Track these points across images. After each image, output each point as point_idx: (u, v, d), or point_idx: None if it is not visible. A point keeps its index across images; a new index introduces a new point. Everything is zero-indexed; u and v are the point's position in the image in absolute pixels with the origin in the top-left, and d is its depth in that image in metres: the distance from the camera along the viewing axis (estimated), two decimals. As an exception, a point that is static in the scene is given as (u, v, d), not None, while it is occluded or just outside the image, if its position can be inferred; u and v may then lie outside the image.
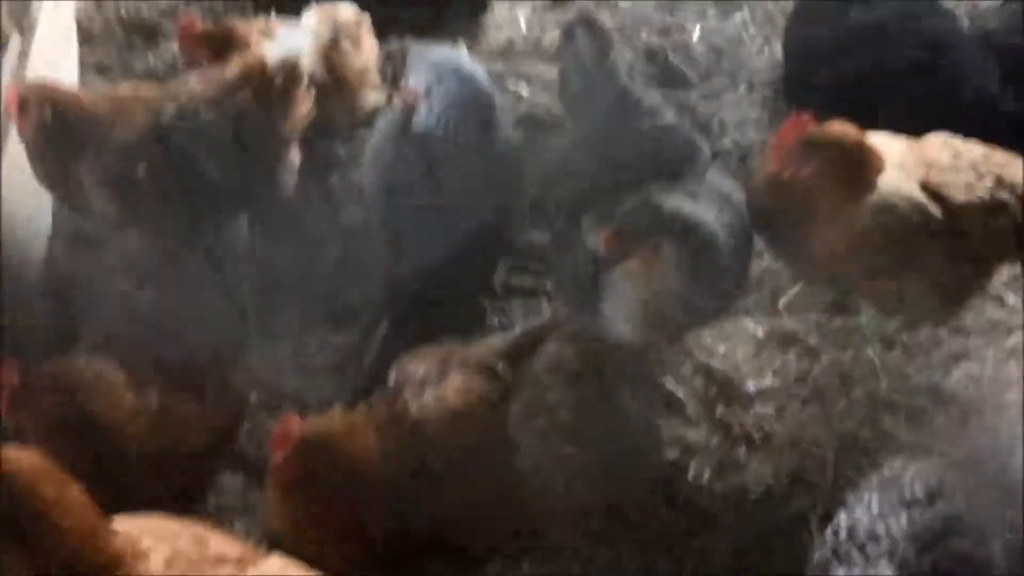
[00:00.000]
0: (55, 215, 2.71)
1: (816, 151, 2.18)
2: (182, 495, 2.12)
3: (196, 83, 2.38)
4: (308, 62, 2.44)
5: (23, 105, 2.28)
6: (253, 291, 2.52)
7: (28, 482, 1.59)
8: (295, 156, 2.54)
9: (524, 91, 2.95)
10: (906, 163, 2.27)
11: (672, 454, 2.37)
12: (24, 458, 1.63)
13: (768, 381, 2.48)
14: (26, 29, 2.72)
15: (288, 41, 2.51)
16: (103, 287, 2.60)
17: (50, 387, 1.94)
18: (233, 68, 2.39)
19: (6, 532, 1.58)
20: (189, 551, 1.65)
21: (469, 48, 2.98)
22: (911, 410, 2.44)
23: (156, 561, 1.61)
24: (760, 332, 2.57)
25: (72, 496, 1.62)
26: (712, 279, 2.12)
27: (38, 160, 2.35)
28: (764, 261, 2.61)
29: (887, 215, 2.18)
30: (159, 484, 2.02)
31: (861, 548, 1.71)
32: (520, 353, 2.26)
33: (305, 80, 2.44)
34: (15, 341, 2.44)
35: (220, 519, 2.19)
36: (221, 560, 1.67)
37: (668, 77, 2.99)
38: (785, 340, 2.55)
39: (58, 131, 2.29)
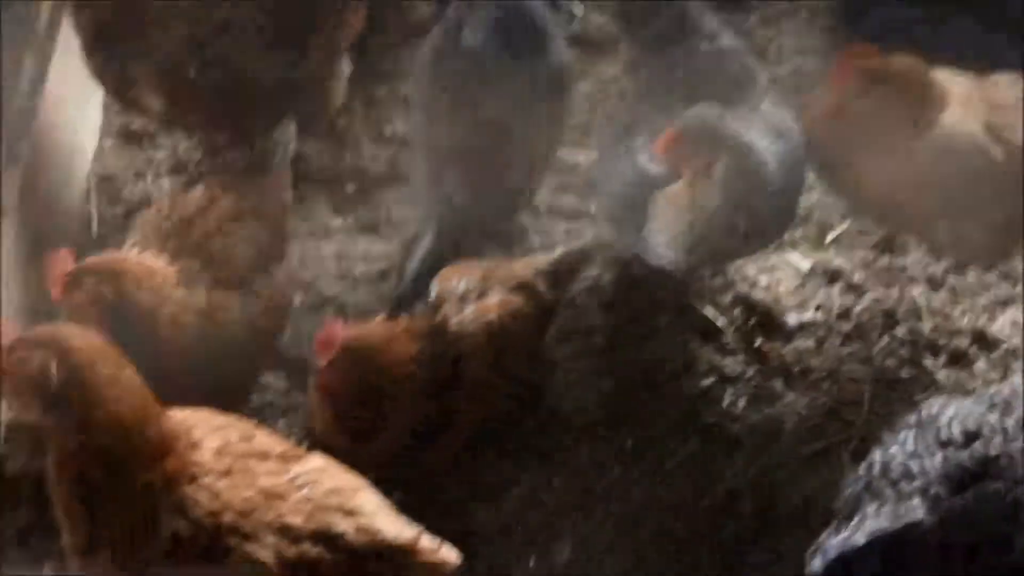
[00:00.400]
0: (105, 110, 2.72)
1: (877, 84, 2.13)
2: (226, 393, 2.17)
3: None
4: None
5: None
6: (297, 196, 2.53)
7: (86, 358, 1.64)
8: (345, 66, 2.53)
9: (577, 9, 2.89)
10: (970, 102, 2.21)
11: (706, 382, 2.38)
12: (82, 335, 1.67)
13: (810, 315, 2.47)
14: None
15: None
16: (151, 182, 2.64)
17: (102, 275, 1.96)
18: None
19: (62, 408, 1.63)
20: (236, 444, 1.70)
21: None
22: (953, 352, 2.42)
23: (207, 451, 1.66)
24: (805, 266, 2.55)
25: (127, 377, 1.66)
26: (761, 206, 2.10)
27: (91, 53, 2.35)
28: (814, 195, 2.58)
29: (947, 154, 2.14)
30: (203, 380, 2.06)
31: (894, 485, 1.72)
32: (560, 274, 2.27)
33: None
34: (65, 236, 2.50)
35: (263, 418, 2.25)
36: (266, 456, 1.72)
37: (726, -1, 2.91)
38: (830, 275, 2.53)
39: (113, 25, 2.29)
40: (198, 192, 2.21)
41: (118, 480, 1.62)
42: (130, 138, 2.69)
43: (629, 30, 2.43)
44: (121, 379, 1.64)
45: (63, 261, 1.98)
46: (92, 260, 2.01)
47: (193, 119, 2.43)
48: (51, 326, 1.76)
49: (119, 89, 2.39)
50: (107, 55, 2.32)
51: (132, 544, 1.62)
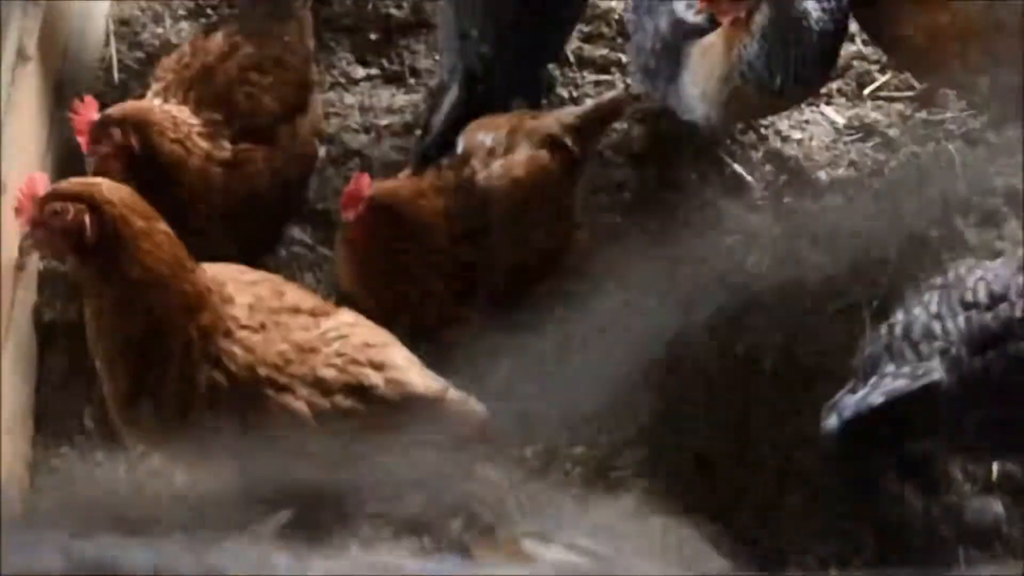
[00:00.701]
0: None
1: None
2: (253, 246, 2.19)
3: None
4: None
5: None
6: (319, 44, 2.46)
7: (119, 212, 1.65)
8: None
9: None
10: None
11: (732, 239, 2.37)
12: (115, 188, 1.68)
13: (842, 172, 2.43)
14: None
15: None
16: (170, 26, 2.57)
17: (128, 125, 1.95)
18: None
19: (97, 260, 1.66)
20: (268, 299, 1.74)
21: None
22: (985, 212, 2.38)
23: (240, 306, 1.70)
24: (840, 120, 2.49)
25: (161, 230, 1.68)
26: (800, 57, 2.02)
27: None
28: (853, 45, 2.49)
29: (998, 4, 2.03)
30: (230, 233, 2.08)
31: (914, 346, 1.74)
32: (589, 128, 2.23)
33: None
34: (86, 83, 2.47)
35: (290, 271, 2.28)
36: (297, 310, 1.75)
37: None
38: (865, 130, 2.47)
39: None
40: (219, 38, 2.16)
41: (155, 333, 1.66)
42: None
43: None
44: (154, 233, 1.66)
45: (88, 110, 1.96)
46: (118, 109, 1.99)
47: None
48: (83, 179, 1.75)
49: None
50: None
51: (172, 395, 1.68)
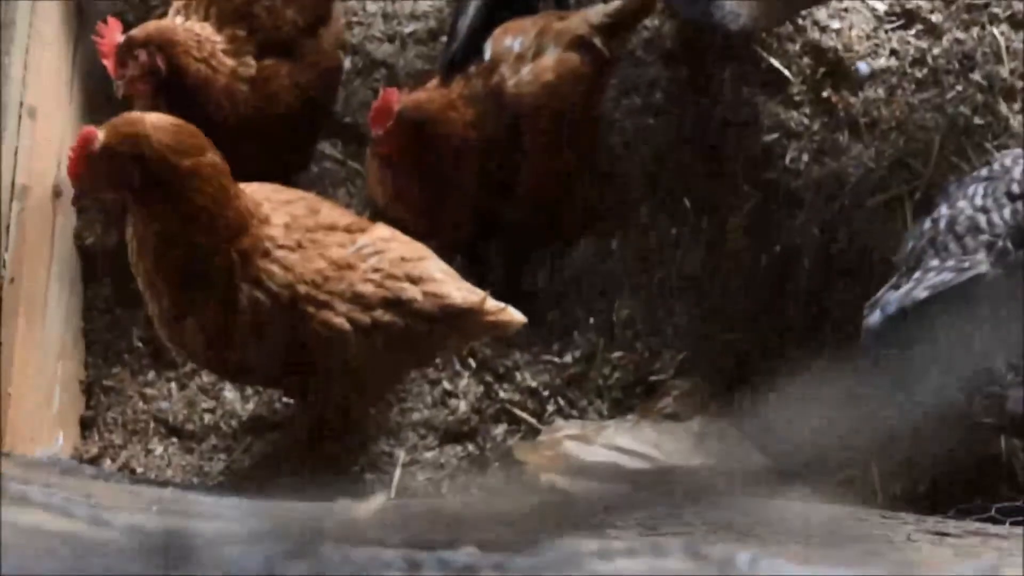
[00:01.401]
0: None
1: None
2: (285, 162, 2.19)
3: None
4: None
5: None
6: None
7: (167, 157, 1.66)
8: None
9: None
10: None
11: (770, 138, 2.32)
12: (162, 129, 1.67)
13: (882, 62, 2.35)
14: None
15: None
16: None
17: (154, 46, 1.93)
18: None
19: (145, 200, 1.68)
20: (304, 218, 1.74)
21: None
22: (1032, 97, 2.31)
23: (277, 226, 1.71)
24: (881, 7, 2.39)
25: (207, 163, 1.68)
26: None
27: None
28: (893, -74, 2.37)
29: None
30: (261, 151, 2.07)
31: (959, 239, 1.71)
32: (618, 27, 2.17)
33: None
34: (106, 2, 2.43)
35: (322, 187, 2.27)
36: (332, 228, 1.76)
37: None
38: (907, 16, 2.38)
39: None
40: (237, -50, 2.10)
41: (197, 258, 1.68)
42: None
43: None
44: (201, 168, 1.67)
45: (112, 32, 1.94)
46: (142, 30, 1.96)
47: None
48: (130, 124, 1.71)
49: None
50: None
51: (215, 315, 1.71)
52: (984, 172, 1.82)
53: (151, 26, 1.98)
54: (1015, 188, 1.72)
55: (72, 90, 2.28)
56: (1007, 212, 1.70)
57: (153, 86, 1.94)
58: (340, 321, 1.71)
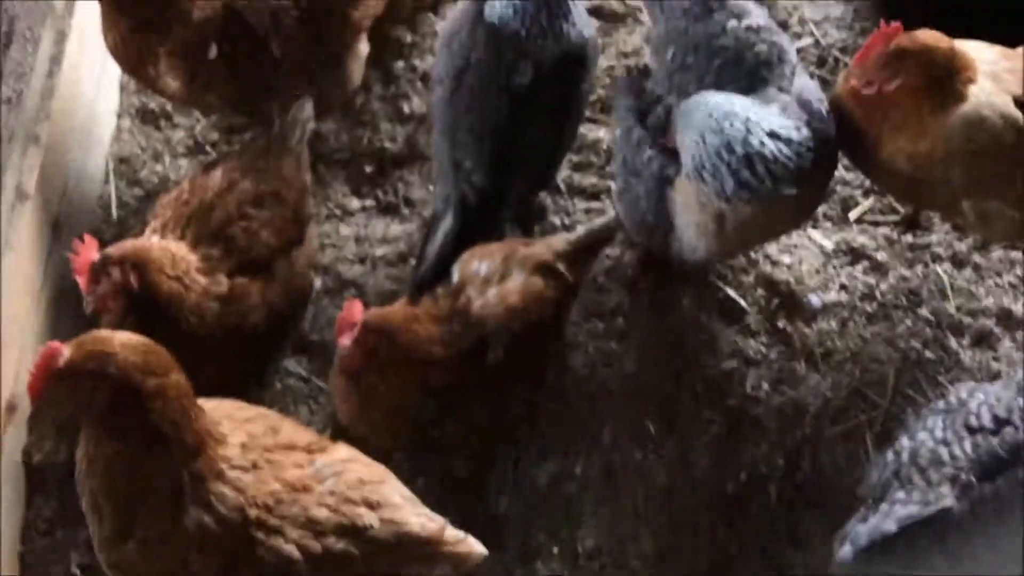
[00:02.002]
0: (122, 90, 2.70)
1: (903, 62, 2.08)
2: (249, 378, 2.17)
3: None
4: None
5: None
6: (315, 177, 2.50)
7: (134, 376, 1.63)
8: (364, 45, 2.49)
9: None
10: (999, 74, 2.16)
11: (729, 364, 2.37)
12: (130, 348, 1.65)
13: (833, 295, 2.45)
14: None
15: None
16: (169, 163, 2.61)
17: (127, 265, 1.96)
18: None
19: (105, 420, 1.64)
20: (262, 437, 1.70)
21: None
22: (978, 332, 2.40)
23: (233, 446, 1.66)
24: (828, 244, 2.52)
25: (172, 384, 1.66)
26: (787, 195, 2.04)
27: (111, 29, 2.31)
28: (837, 170, 2.54)
29: (976, 129, 2.09)
30: (226, 367, 2.07)
31: (923, 471, 1.72)
32: (581, 254, 2.26)
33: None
34: (85, 219, 2.49)
35: (285, 404, 2.25)
36: (291, 447, 1.72)
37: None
38: (853, 254, 2.51)
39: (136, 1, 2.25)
40: (217, 175, 2.19)
41: (147, 478, 1.62)
42: (147, 118, 2.67)
43: (652, 5, 2.37)
44: (166, 389, 1.64)
45: (88, 250, 1.97)
46: (117, 248, 2.00)
47: (212, 99, 2.40)
48: (98, 341, 1.68)
49: (137, 67, 2.36)
50: (127, 31, 2.29)
51: (159, 538, 1.62)
52: (942, 404, 1.86)
53: (127, 245, 2.02)
54: (973, 421, 1.75)
55: (40, 302, 2.28)
56: (968, 445, 1.72)
57: (124, 303, 1.95)
58: (289, 549, 1.63)
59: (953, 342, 2.39)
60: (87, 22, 2.45)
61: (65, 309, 2.33)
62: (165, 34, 2.27)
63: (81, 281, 1.96)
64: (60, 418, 1.79)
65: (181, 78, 2.31)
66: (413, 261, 2.43)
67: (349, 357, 2.00)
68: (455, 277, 2.18)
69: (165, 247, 2.02)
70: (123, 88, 2.69)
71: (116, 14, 2.28)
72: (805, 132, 2.00)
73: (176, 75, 2.31)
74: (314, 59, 2.38)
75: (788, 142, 1.97)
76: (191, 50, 2.28)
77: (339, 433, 1.99)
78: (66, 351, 1.63)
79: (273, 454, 1.69)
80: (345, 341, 1.98)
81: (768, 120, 1.98)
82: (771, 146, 1.95)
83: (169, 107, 2.66)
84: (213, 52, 2.29)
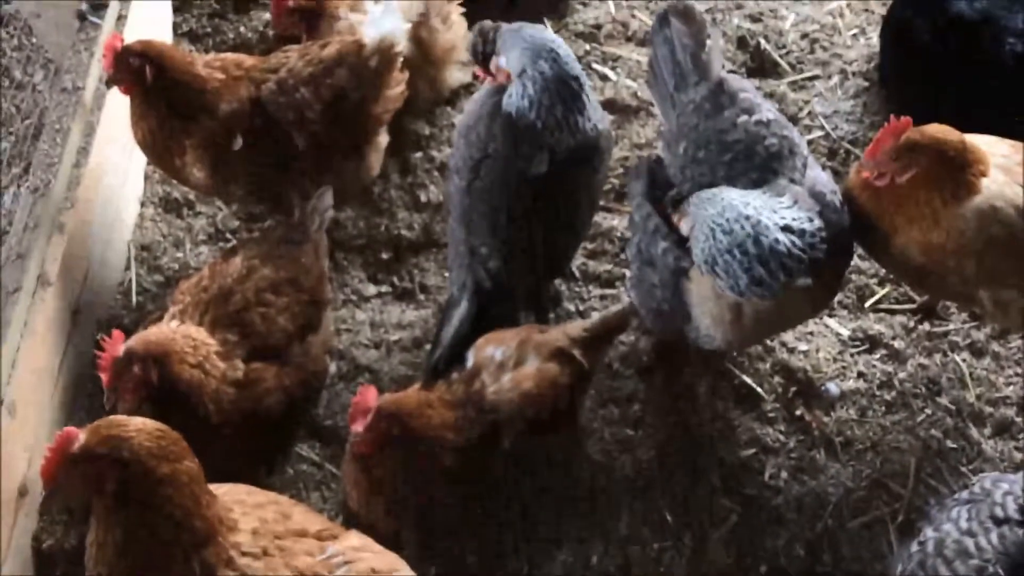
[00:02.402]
0: (147, 180, 2.76)
1: (915, 155, 2.11)
2: (262, 462, 2.16)
3: (296, 59, 2.39)
4: (404, 45, 2.44)
5: (121, 64, 2.30)
6: (332, 263, 2.53)
7: (147, 462, 1.63)
8: (384, 137, 2.55)
9: (611, 74, 2.92)
10: (1011, 166, 2.19)
11: (747, 452, 2.34)
12: (146, 433, 1.65)
13: (851, 383, 2.43)
14: (124, -6, 2.76)
15: (379, 17, 2.51)
16: (190, 250, 2.65)
17: (149, 359, 1.96)
18: (331, 47, 2.40)
19: (117, 503, 1.63)
20: (273, 523, 1.68)
21: (556, 29, 2.95)
22: (1000, 422, 2.37)
23: (244, 532, 1.64)
24: (844, 332, 2.52)
25: (184, 470, 1.66)
26: (802, 295, 2.03)
27: (140, 122, 2.38)
28: (852, 259, 2.55)
29: (990, 220, 2.11)
30: (240, 451, 2.06)
31: (949, 563, 1.67)
32: (596, 340, 2.26)
33: (400, 61, 2.44)
34: (105, 305, 2.52)
35: (297, 489, 2.23)
36: (302, 534, 1.69)
37: (759, 64, 2.93)
38: (870, 341, 2.49)
39: (163, 92, 2.32)
40: (237, 261, 2.22)
41: (157, 565, 1.60)
42: (170, 207, 2.72)
43: (664, 99, 2.42)
44: (178, 475, 1.64)
45: (115, 345, 1.96)
46: (141, 342, 1.99)
47: (235, 189, 2.45)
48: (113, 426, 1.69)
49: (164, 158, 2.41)
50: (156, 124, 2.35)
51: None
52: (965, 495, 1.83)
53: (150, 338, 2.01)
54: (999, 512, 1.72)
55: (56, 387, 2.29)
56: (994, 536, 1.68)
57: (142, 395, 1.95)
58: (300, 636, 1.59)
59: (974, 431, 2.36)
60: (116, 114, 2.52)
61: (81, 394, 2.33)
62: (192, 126, 2.33)
63: (104, 378, 1.96)
64: (72, 503, 1.78)
65: (206, 169, 2.36)
66: (428, 347, 2.43)
67: (362, 442, 1.99)
68: (469, 362, 2.18)
69: (187, 334, 2.03)
70: (147, 178, 2.75)
71: (145, 107, 2.35)
72: (818, 223, 2.02)
73: (202, 166, 2.36)
74: (336, 151, 2.44)
75: (801, 234, 1.98)
76: (217, 142, 2.33)
77: (351, 520, 1.96)
78: (82, 436, 1.63)
79: (284, 541, 1.66)
80: (359, 427, 1.97)
81: (780, 213, 2.00)
82: (785, 241, 1.96)
83: (192, 196, 2.71)
84: (238, 144, 2.34)
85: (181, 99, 2.32)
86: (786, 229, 1.97)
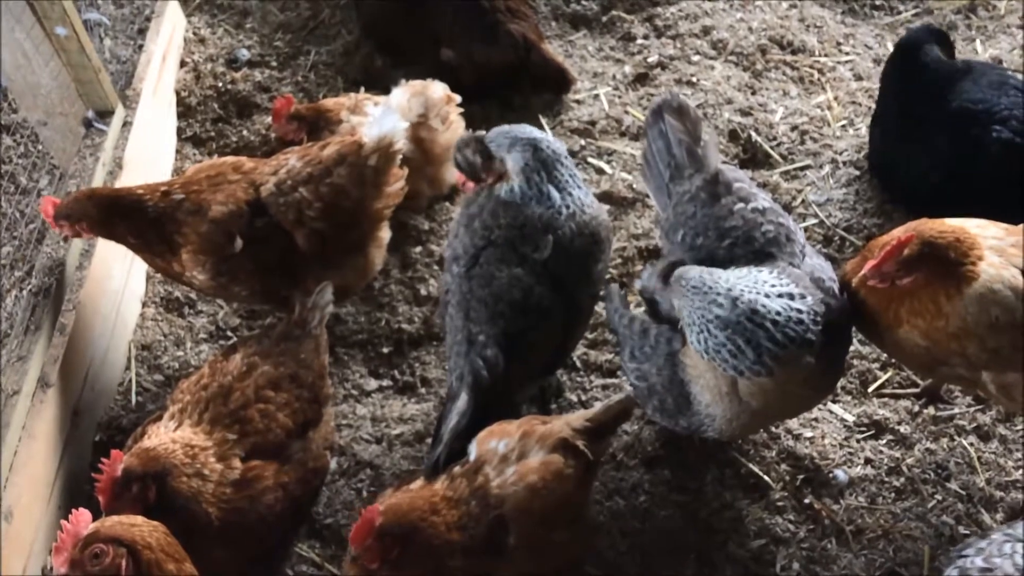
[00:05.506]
0: (148, 280, 2.78)
1: (916, 265, 2.12)
2: (259, 564, 2.10)
3: (295, 160, 2.43)
4: (402, 143, 2.48)
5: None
6: (333, 358, 2.52)
7: (156, 556, 1.64)
8: (386, 233, 2.57)
9: (606, 168, 2.97)
10: (1005, 248, 2.20)
11: (758, 543, 2.29)
12: (153, 530, 1.66)
13: (859, 470, 2.39)
14: (129, 100, 2.84)
15: (380, 118, 2.57)
16: (190, 349, 2.64)
17: (148, 477, 1.94)
18: (331, 147, 2.44)
19: None
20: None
21: (552, 125, 3.02)
22: (1012, 506, 2.32)
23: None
24: (849, 418, 2.49)
25: (188, 572, 1.64)
26: (803, 376, 2.03)
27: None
28: (852, 344, 2.55)
29: (989, 303, 2.11)
30: (240, 549, 2.01)
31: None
32: (600, 430, 2.23)
33: (399, 158, 2.48)
34: (103, 404, 2.50)
35: (298, 591, 2.17)
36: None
37: (751, 155, 2.98)
38: (876, 427, 2.47)
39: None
40: (237, 359, 2.21)
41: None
42: (171, 306, 2.73)
43: (659, 191, 2.45)
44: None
45: (113, 465, 1.94)
46: (139, 460, 1.96)
47: (237, 290, 2.45)
48: (122, 520, 1.72)
49: (165, 262, 2.43)
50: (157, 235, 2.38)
51: None
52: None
53: (148, 455, 1.98)
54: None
55: (53, 490, 2.26)
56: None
57: (140, 510, 1.92)
58: None
59: (986, 517, 2.31)
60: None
61: (78, 495, 2.30)
62: (183, 236, 2.34)
63: (103, 500, 1.92)
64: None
65: (208, 272, 2.38)
66: (429, 440, 2.40)
67: (367, 557, 1.93)
68: (472, 455, 2.15)
69: (186, 443, 2.00)
70: (149, 278, 2.77)
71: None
72: (812, 299, 2.03)
73: (203, 269, 2.38)
74: (338, 249, 2.45)
75: (800, 311, 1.99)
76: (217, 244, 2.35)
77: (353, 622, 1.91)
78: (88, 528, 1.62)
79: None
80: (360, 549, 1.92)
81: (774, 287, 2.01)
82: (785, 313, 1.97)
83: (193, 295, 2.73)
84: (238, 245, 2.36)
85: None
86: (786, 296, 1.98)
